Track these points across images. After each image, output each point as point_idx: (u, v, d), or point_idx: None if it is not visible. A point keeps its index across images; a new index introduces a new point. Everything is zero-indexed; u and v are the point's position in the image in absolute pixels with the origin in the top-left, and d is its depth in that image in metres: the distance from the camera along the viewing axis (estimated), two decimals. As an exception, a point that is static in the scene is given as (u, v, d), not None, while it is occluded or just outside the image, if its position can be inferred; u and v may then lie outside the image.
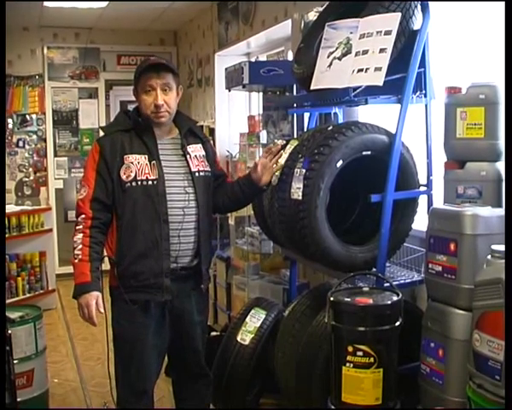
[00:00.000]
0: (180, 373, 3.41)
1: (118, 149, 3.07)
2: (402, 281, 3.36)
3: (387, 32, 3.10)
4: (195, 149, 3.26)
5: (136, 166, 3.06)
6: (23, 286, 6.70)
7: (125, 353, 3.16)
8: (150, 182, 3.06)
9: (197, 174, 3.19)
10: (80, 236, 3.03)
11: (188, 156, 3.19)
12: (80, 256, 3.01)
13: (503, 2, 2.50)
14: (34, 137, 8.40)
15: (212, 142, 7.19)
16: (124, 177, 3.05)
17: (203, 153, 3.29)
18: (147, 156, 3.09)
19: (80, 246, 3.02)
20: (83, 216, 3.05)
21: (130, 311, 3.08)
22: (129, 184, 3.04)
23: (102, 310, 3.03)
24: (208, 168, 3.27)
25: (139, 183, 3.05)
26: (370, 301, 2.85)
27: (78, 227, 3.06)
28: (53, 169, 8.49)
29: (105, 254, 3.15)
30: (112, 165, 3.05)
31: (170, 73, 3.13)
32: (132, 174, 3.05)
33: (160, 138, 3.17)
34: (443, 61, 3.65)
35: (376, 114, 3.96)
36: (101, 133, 3.21)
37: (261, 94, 5.21)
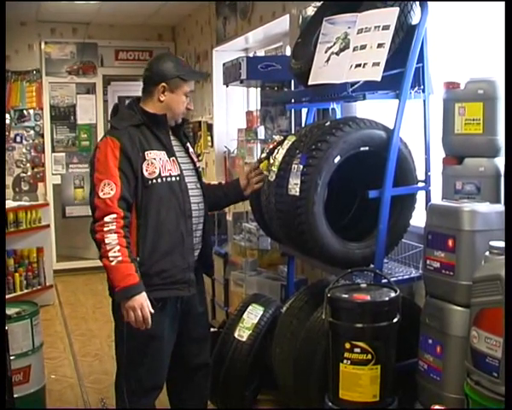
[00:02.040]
0: (179, 368, 3.33)
1: (137, 145, 3.02)
2: (400, 277, 3.35)
3: (385, 27, 3.09)
4: (190, 147, 3.35)
5: (159, 162, 3.04)
6: (20, 282, 6.67)
7: (140, 351, 3.10)
8: (174, 178, 3.07)
9: (200, 169, 3.32)
10: (115, 236, 2.88)
11: (190, 152, 3.29)
12: (120, 258, 2.87)
13: (503, 2, 2.48)
14: (32, 132, 8.38)
15: (209, 138, 7.29)
16: (146, 173, 3.01)
17: (192, 149, 3.38)
18: (165, 153, 3.09)
19: (118, 247, 2.88)
20: (114, 216, 2.91)
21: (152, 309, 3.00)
22: (154, 180, 3.02)
23: (152, 310, 2.94)
24: (198, 163, 3.40)
25: (163, 179, 3.04)
26: (368, 297, 2.85)
27: (108, 228, 2.89)
28: (51, 165, 8.47)
29: None
30: (135, 161, 2.99)
31: None
32: (156, 171, 3.02)
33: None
34: (441, 56, 3.64)
35: (374, 110, 3.94)
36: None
37: (259, 89, 5.20)
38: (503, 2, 2.46)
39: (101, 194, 2.93)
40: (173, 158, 3.10)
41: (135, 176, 2.99)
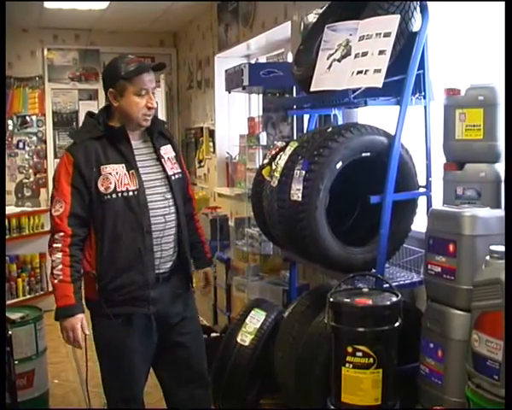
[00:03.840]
0: (171, 378, 3.27)
1: (93, 160, 2.93)
2: (401, 282, 3.37)
3: (387, 34, 3.11)
4: (167, 151, 3.17)
5: (115, 176, 2.93)
6: (23, 287, 6.70)
7: (112, 363, 3.10)
8: (131, 193, 2.95)
9: (173, 178, 3.12)
10: (59, 255, 2.88)
11: (162, 160, 3.11)
12: (61, 277, 2.88)
13: (503, 3, 2.50)
14: (34, 138, 8.42)
15: (211, 144, 7.31)
16: (102, 189, 2.92)
17: (173, 154, 3.21)
18: (124, 165, 2.96)
19: (60, 266, 2.87)
20: (61, 234, 2.89)
21: (112, 324, 3.00)
22: (108, 196, 2.92)
23: (88, 332, 2.97)
24: (180, 170, 3.21)
25: (119, 194, 2.93)
26: (370, 301, 2.86)
27: (55, 245, 2.90)
28: (53, 170, 8.44)
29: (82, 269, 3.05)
30: (89, 177, 2.91)
31: (154, 74, 3.06)
32: (112, 186, 2.92)
33: (134, 143, 3.05)
34: (442, 62, 3.66)
35: (376, 116, 3.97)
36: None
37: (261, 96, 5.23)
38: (503, 3, 2.48)
39: (53, 211, 2.94)
40: (133, 171, 2.97)
41: (88, 192, 2.92)
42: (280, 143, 3.69)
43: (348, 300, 2.90)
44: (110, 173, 2.93)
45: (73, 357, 5.49)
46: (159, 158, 3.10)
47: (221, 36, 6.90)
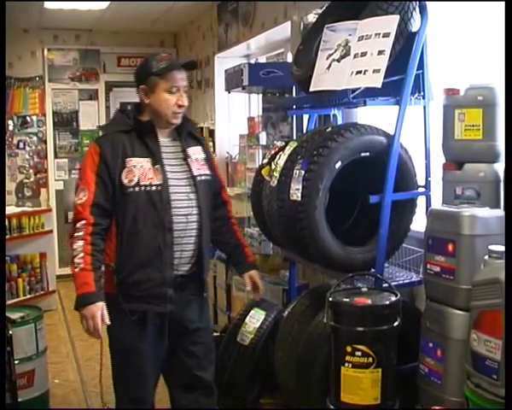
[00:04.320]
0: (178, 383, 3.24)
1: (119, 151, 2.91)
2: (401, 282, 3.38)
3: (386, 35, 3.12)
4: (196, 152, 3.13)
5: (139, 170, 2.91)
6: (23, 287, 6.72)
7: (122, 361, 3.07)
8: (154, 187, 2.92)
9: (199, 178, 3.06)
10: (81, 243, 2.85)
11: (189, 160, 3.07)
12: (82, 265, 2.84)
13: (503, 3, 2.51)
14: (34, 138, 8.43)
15: (211, 143, 7.31)
16: (125, 181, 2.89)
17: (203, 156, 3.17)
18: (150, 160, 2.94)
19: (81, 254, 2.84)
20: (83, 222, 2.87)
21: (128, 320, 2.97)
22: (131, 189, 2.89)
23: (108, 322, 2.88)
24: (209, 172, 3.15)
25: (142, 188, 2.90)
26: (369, 301, 2.87)
27: (77, 234, 2.88)
28: (53, 170, 8.51)
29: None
30: (113, 168, 2.90)
31: (185, 73, 3.05)
32: (135, 179, 2.90)
33: (162, 140, 3.03)
34: (441, 62, 3.67)
35: (376, 116, 3.97)
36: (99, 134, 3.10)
37: (261, 96, 5.23)
38: (503, 3, 2.48)
39: (76, 199, 2.94)
40: (158, 166, 2.94)
41: (112, 183, 2.90)
42: (279, 143, 3.69)
43: (347, 299, 2.90)
44: (134, 166, 2.91)
45: (74, 357, 5.50)
46: (186, 158, 3.06)
47: (221, 36, 6.91)
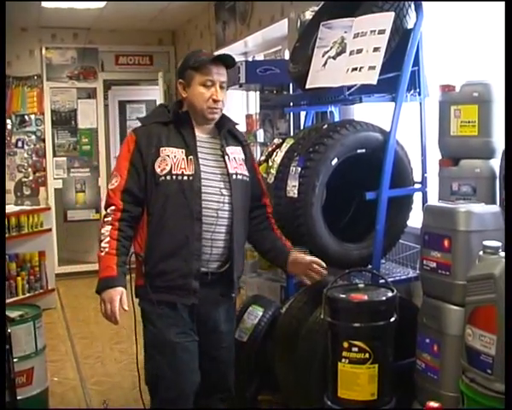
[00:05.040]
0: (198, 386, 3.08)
1: (154, 141, 2.92)
2: (397, 278, 3.40)
3: (381, 32, 3.14)
4: (235, 152, 3.07)
5: (172, 159, 2.89)
6: (23, 286, 6.71)
7: (156, 354, 2.96)
8: (185, 177, 2.88)
9: (234, 176, 2.99)
10: (108, 228, 2.87)
11: (226, 157, 3.00)
12: (107, 249, 2.85)
13: (501, 2, 2.52)
14: (33, 137, 8.42)
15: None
16: (158, 170, 2.88)
17: (242, 156, 3.10)
18: (184, 151, 2.92)
19: (108, 239, 2.85)
20: (112, 207, 2.90)
21: (157, 311, 2.92)
22: (163, 177, 2.88)
23: (127, 307, 2.86)
24: (247, 173, 3.06)
25: (174, 177, 2.88)
26: (365, 297, 2.88)
27: (106, 219, 2.91)
28: (52, 169, 8.51)
29: (132, 250, 2.98)
30: (147, 156, 2.90)
31: (225, 69, 3.00)
32: (168, 167, 2.88)
33: (200, 136, 3.00)
34: (437, 59, 3.68)
35: (372, 113, 3.98)
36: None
37: (258, 93, 5.23)
38: (503, 3, 2.49)
39: (109, 185, 2.97)
40: (191, 157, 2.91)
41: (145, 171, 2.90)
42: (276, 140, 3.70)
43: (344, 295, 2.91)
44: (168, 156, 2.90)
45: (73, 355, 5.52)
46: (223, 155, 3.01)
47: (218, 34, 6.91)
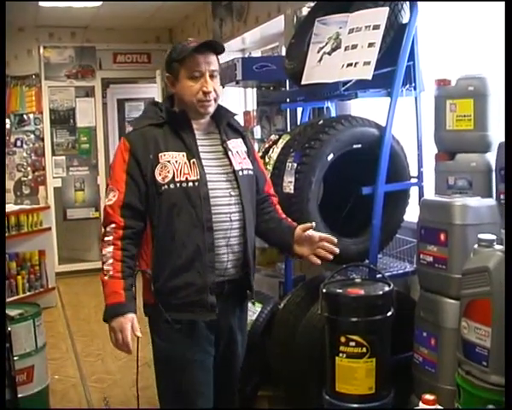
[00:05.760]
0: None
1: (151, 147, 2.63)
2: (394, 272, 3.41)
3: (376, 27, 3.15)
4: (236, 145, 2.82)
5: (174, 165, 2.62)
6: (23, 285, 6.73)
7: (173, 378, 2.73)
8: (191, 183, 2.61)
9: (241, 173, 2.74)
10: (110, 248, 2.59)
11: (229, 153, 2.75)
12: (111, 272, 2.57)
13: (503, 2, 2.52)
14: (32, 136, 8.43)
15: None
16: (159, 178, 2.61)
17: (244, 148, 2.86)
18: (185, 154, 2.65)
19: (111, 260, 2.58)
20: (113, 226, 2.61)
21: (172, 331, 2.67)
22: (166, 186, 2.61)
23: (139, 334, 2.60)
24: (251, 166, 2.83)
25: (178, 185, 2.61)
26: (362, 291, 2.89)
27: (107, 238, 2.62)
28: (51, 168, 8.52)
29: (138, 267, 2.73)
30: (145, 165, 2.62)
31: (215, 56, 2.71)
32: (170, 175, 2.61)
33: (199, 133, 2.74)
34: (432, 53, 3.69)
35: (370, 108, 3.99)
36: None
37: (255, 90, 5.24)
38: (502, 3, 2.49)
39: (106, 200, 2.69)
40: (194, 160, 2.64)
41: (145, 181, 2.63)
42: (273, 137, 3.71)
43: (341, 290, 2.92)
44: (169, 161, 2.63)
45: (73, 353, 5.54)
46: (225, 151, 2.75)
47: (215, 31, 6.92)
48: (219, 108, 2.80)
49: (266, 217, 2.91)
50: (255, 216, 2.84)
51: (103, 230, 2.66)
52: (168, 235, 2.64)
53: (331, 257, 2.75)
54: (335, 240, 2.75)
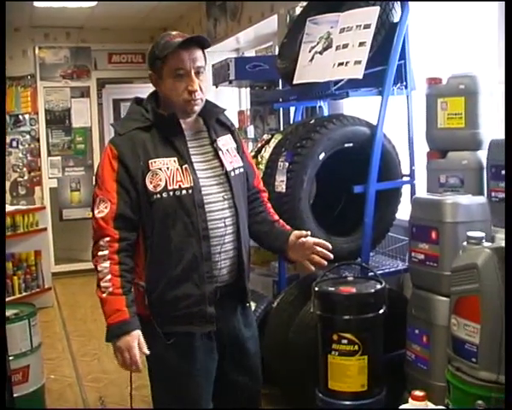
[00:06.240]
0: (225, 402, 2.75)
1: (140, 153, 2.47)
2: (387, 270, 3.44)
3: (367, 26, 3.16)
4: (226, 142, 2.66)
5: (166, 172, 2.48)
6: (19, 285, 6.73)
7: (170, 392, 2.62)
8: (184, 191, 2.47)
9: (232, 173, 2.61)
10: (107, 264, 2.43)
11: (220, 153, 2.60)
12: (111, 289, 2.41)
13: (501, 2, 2.54)
14: (27, 137, 8.43)
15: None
16: (151, 187, 2.46)
17: (234, 145, 2.70)
18: (176, 159, 2.50)
19: (109, 276, 2.42)
20: (107, 239, 2.45)
21: (167, 345, 2.52)
22: (158, 195, 2.47)
23: (147, 351, 2.46)
24: (241, 163, 2.68)
25: (171, 193, 2.47)
26: (354, 290, 2.92)
27: (101, 253, 2.45)
28: (47, 168, 8.51)
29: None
30: (135, 173, 2.47)
31: (201, 52, 2.53)
32: (162, 183, 2.46)
33: (188, 134, 2.59)
34: (423, 52, 3.71)
35: (363, 106, 4.01)
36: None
37: (249, 89, 5.25)
38: (491, 2, 2.51)
39: (96, 212, 2.49)
40: (186, 166, 2.50)
41: (136, 190, 2.48)
42: (266, 136, 3.73)
43: (333, 288, 2.95)
44: (160, 169, 2.48)
45: (69, 353, 5.55)
46: (216, 151, 2.60)
47: (210, 31, 6.93)
48: (206, 104, 2.63)
49: (258, 218, 2.78)
50: (247, 214, 2.72)
51: (96, 244, 2.50)
52: (163, 245, 2.51)
53: (325, 263, 2.65)
54: (329, 246, 2.64)
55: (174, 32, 2.54)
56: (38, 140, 8.46)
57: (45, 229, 7.19)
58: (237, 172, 2.64)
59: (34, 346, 4.19)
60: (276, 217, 2.80)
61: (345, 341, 2.88)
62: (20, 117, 8.37)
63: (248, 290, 2.70)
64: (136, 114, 2.60)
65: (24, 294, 6.74)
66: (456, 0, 3.51)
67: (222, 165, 2.58)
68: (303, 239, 2.62)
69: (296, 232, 2.66)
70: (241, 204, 2.63)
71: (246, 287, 2.68)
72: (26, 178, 8.45)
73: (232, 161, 2.62)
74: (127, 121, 2.63)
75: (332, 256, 2.64)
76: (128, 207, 2.47)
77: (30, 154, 8.45)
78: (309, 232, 2.64)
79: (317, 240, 2.65)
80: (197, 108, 2.56)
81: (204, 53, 2.54)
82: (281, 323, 3.64)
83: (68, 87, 8.58)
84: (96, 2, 6.97)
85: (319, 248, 2.61)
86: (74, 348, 5.65)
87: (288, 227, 2.75)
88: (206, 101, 2.63)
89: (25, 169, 8.44)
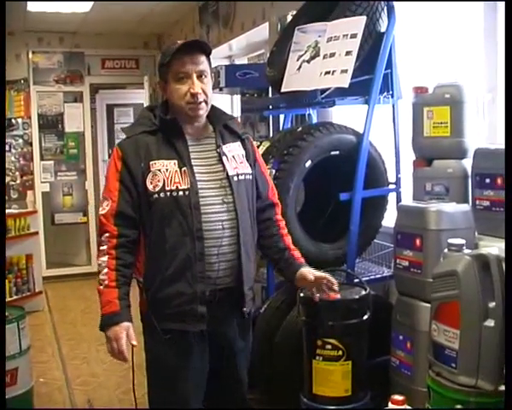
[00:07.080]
0: (214, 401, 2.82)
1: (142, 155, 2.58)
2: (372, 277, 3.47)
3: (353, 35, 3.20)
4: (233, 149, 2.71)
5: (165, 173, 2.56)
6: (10, 288, 6.74)
7: (163, 386, 2.70)
8: (181, 192, 2.55)
9: (235, 178, 2.64)
10: (105, 258, 2.57)
11: (224, 158, 2.65)
12: (106, 282, 2.54)
13: (473, 3, 2.57)
14: (20, 141, 8.45)
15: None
16: (150, 187, 2.56)
17: (242, 152, 2.74)
18: (176, 162, 2.58)
19: (106, 270, 2.55)
20: (107, 235, 2.58)
21: (162, 341, 2.61)
22: (156, 195, 2.56)
23: (135, 342, 2.56)
24: (249, 170, 2.71)
25: (168, 194, 2.55)
26: (338, 296, 2.94)
27: (101, 248, 2.59)
28: (39, 173, 8.53)
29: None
30: (136, 173, 2.57)
31: (204, 56, 2.61)
32: (160, 183, 2.55)
33: (192, 139, 2.65)
34: (410, 61, 3.75)
35: (351, 115, 4.04)
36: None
37: (240, 96, 5.28)
38: (473, 3, 2.54)
39: (100, 209, 2.65)
40: (185, 168, 2.57)
41: (137, 189, 2.58)
42: (255, 143, 3.76)
43: (317, 294, 2.97)
44: (159, 170, 2.57)
45: (59, 356, 5.56)
46: (220, 156, 2.65)
47: (202, 37, 6.95)
48: (214, 110, 2.72)
49: (270, 242, 2.83)
50: (255, 221, 2.75)
51: (99, 240, 2.64)
52: (159, 244, 2.59)
53: (331, 297, 2.78)
54: (335, 282, 2.74)
55: (180, 41, 2.62)
56: (31, 144, 8.48)
57: (37, 233, 7.20)
58: (242, 177, 2.66)
59: (23, 349, 4.21)
60: (287, 239, 2.85)
61: (329, 346, 2.92)
62: (13, 121, 8.40)
63: (246, 295, 2.68)
64: (144, 118, 2.72)
65: (15, 297, 6.75)
66: (448, 0, 3.55)
67: (224, 169, 2.63)
68: (310, 278, 2.70)
69: (304, 273, 2.72)
70: (244, 209, 2.65)
71: (244, 292, 2.67)
72: (18, 181, 8.47)
73: (237, 167, 2.66)
74: (135, 126, 2.77)
75: (338, 296, 2.82)
76: (129, 205, 2.58)
77: (22, 158, 8.47)
78: (313, 278, 2.70)
79: (322, 275, 2.74)
80: (201, 112, 2.62)
81: (209, 59, 2.63)
82: (268, 328, 3.66)
83: (61, 92, 8.61)
84: (90, 6, 6.99)
85: (325, 281, 2.73)
86: (64, 352, 5.67)
87: (296, 255, 2.82)
88: (215, 108, 2.72)
89: (17, 173, 8.46)
